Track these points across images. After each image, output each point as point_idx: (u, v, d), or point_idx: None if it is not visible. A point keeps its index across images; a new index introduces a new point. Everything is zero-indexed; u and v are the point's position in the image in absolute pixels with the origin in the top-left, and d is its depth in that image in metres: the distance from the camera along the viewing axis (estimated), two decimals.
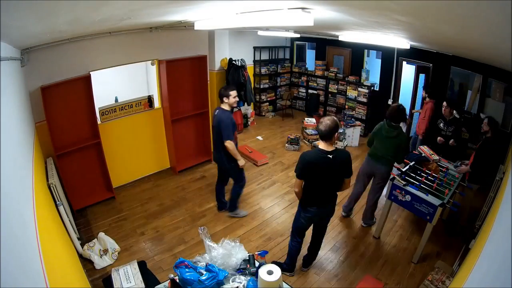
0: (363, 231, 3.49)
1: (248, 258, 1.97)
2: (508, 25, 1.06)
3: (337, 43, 5.90)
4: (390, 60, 5.71)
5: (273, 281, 1.67)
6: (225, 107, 3.27)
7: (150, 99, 4.39)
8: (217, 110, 3.29)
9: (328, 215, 2.58)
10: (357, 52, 6.38)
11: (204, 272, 1.74)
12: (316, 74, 7.15)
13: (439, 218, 2.79)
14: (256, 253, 2.06)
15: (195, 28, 3.04)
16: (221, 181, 3.72)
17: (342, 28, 3.12)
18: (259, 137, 6.26)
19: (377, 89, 6.12)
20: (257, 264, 1.95)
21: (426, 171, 3.26)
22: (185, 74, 4.52)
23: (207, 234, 1.92)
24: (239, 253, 1.95)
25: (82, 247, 3.01)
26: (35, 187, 1.81)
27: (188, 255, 3.09)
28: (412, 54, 5.06)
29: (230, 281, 1.77)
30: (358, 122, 5.98)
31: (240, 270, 1.88)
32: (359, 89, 6.20)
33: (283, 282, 1.83)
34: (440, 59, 4.59)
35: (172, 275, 1.78)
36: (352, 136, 5.87)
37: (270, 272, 1.72)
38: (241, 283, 1.76)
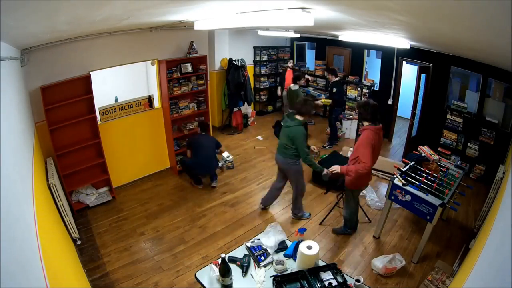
0: (363, 231, 3.49)
1: (283, 240, 2.28)
2: (508, 25, 1.06)
3: (337, 43, 5.89)
4: (390, 60, 5.70)
5: (313, 254, 1.90)
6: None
7: (150, 99, 4.38)
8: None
9: None
10: (357, 52, 6.36)
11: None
12: (316, 74, 7.14)
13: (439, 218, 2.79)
14: (296, 230, 2.45)
15: (195, 28, 3.04)
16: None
17: (342, 28, 3.12)
18: (259, 137, 6.26)
19: (377, 89, 6.12)
20: (288, 243, 2.27)
21: (426, 171, 3.26)
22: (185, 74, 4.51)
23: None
24: (277, 235, 2.27)
25: None
26: (35, 187, 1.81)
27: (188, 255, 3.09)
28: (412, 54, 5.05)
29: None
30: (355, 116, 6.06)
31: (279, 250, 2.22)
32: (359, 89, 6.20)
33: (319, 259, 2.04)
34: (440, 59, 4.58)
35: (223, 254, 1.90)
36: (349, 128, 6.20)
37: (309, 247, 1.93)
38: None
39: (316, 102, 5.45)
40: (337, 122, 5.90)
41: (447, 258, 3.02)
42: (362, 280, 1.86)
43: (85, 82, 3.49)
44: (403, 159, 3.74)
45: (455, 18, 1.32)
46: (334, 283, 1.83)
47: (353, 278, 1.90)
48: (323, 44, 6.97)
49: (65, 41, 3.15)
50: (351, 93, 6.40)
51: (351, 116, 6.18)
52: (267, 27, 4.72)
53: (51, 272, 1.27)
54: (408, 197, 2.90)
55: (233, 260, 2.07)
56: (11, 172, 1.27)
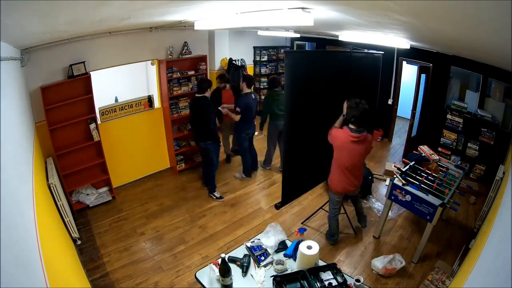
0: (363, 231, 3.49)
1: (283, 240, 2.28)
2: (508, 25, 1.06)
3: (337, 43, 5.89)
4: (390, 60, 5.70)
5: (313, 254, 1.90)
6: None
7: (150, 99, 4.38)
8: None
9: None
10: None
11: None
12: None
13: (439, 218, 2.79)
14: (296, 230, 2.42)
15: (195, 28, 3.04)
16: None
17: (342, 28, 3.11)
18: (256, 132, 6.29)
19: None
20: (288, 243, 2.26)
21: (426, 171, 3.26)
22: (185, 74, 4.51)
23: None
24: (277, 235, 2.28)
25: None
26: (35, 187, 1.81)
27: (188, 255, 3.09)
28: (412, 54, 5.05)
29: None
30: None
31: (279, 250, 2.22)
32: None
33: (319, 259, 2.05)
34: (440, 59, 4.59)
35: (223, 254, 1.90)
36: None
37: (309, 247, 1.93)
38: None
39: None
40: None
41: (447, 258, 3.02)
42: (362, 280, 1.86)
43: (85, 82, 3.49)
44: (403, 159, 3.75)
45: (455, 18, 1.32)
46: (334, 283, 1.83)
47: (353, 278, 1.89)
48: (323, 44, 6.96)
49: (65, 41, 3.15)
50: None
51: None
52: (267, 27, 4.71)
53: (51, 272, 1.27)
54: (408, 197, 2.90)
55: (233, 260, 2.07)
56: (11, 172, 1.27)
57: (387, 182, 3.43)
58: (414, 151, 3.70)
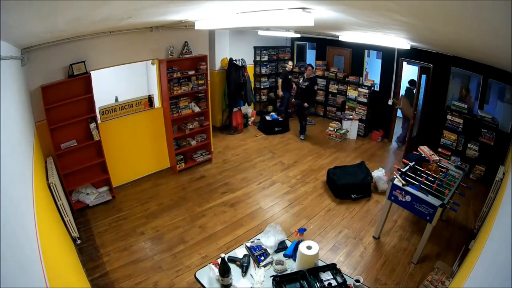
0: (363, 231, 3.49)
1: (283, 240, 2.28)
2: (508, 25, 1.06)
3: (337, 43, 5.89)
4: (391, 61, 5.70)
5: (313, 254, 1.92)
6: None
7: (150, 99, 4.38)
8: None
9: None
10: (358, 52, 6.37)
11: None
12: (316, 74, 7.13)
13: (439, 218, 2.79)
14: (296, 230, 2.41)
15: (196, 27, 3.05)
16: None
17: (343, 28, 3.11)
18: (256, 135, 6.33)
19: (378, 89, 6.12)
20: (288, 243, 2.27)
21: (426, 171, 3.26)
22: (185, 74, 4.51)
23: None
24: (277, 235, 2.28)
25: None
26: (35, 186, 1.81)
27: (188, 255, 3.09)
28: (412, 55, 5.05)
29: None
30: (355, 116, 6.19)
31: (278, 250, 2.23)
32: (359, 89, 6.20)
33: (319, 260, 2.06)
34: (440, 59, 4.58)
35: (223, 254, 1.91)
36: (350, 129, 6.22)
37: (309, 247, 1.95)
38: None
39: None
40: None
41: (446, 258, 3.02)
42: (361, 280, 1.86)
43: (85, 82, 3.49)
44: (403, 160, 3.74)
45: (455, 18, 1.32)
46: (334, 283, 1.83)
47: (352, 278, 1.89)
48: (323, 44, 6.97)
49: (66, 40, 3.15)
50: (351, 93, 6.41)
51: (351, 116, 6.20)
52: (267, 27, 4.72)
53: (51, 272, 1.27)
54: (408, 198, 2.90)
55: (233, 260, 2.07)
56: (11, 172, 1.27)
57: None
58: (414, 152, 3.70)
